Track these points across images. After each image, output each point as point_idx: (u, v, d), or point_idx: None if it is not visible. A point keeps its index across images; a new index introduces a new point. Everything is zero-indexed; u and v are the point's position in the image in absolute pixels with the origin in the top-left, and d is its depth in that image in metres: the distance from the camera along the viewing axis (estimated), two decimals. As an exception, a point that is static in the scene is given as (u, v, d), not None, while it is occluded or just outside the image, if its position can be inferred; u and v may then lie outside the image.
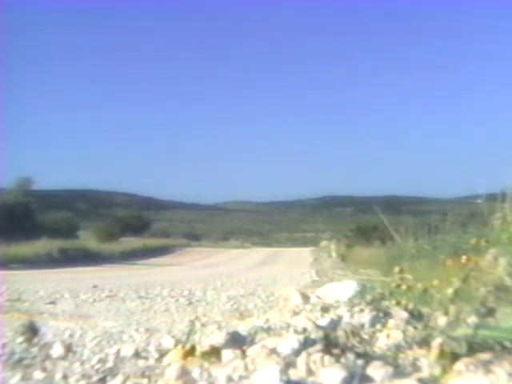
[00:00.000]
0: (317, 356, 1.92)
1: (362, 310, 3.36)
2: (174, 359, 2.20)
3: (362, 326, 2.79)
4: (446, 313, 2.05)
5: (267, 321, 3.47)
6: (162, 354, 2.40)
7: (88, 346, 2.96)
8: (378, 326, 2.74)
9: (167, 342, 2.66)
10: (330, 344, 2.07)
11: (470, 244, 2.87)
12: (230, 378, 1.87)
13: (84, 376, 2.11)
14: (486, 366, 1.72)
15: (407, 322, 2.65)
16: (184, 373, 1.93)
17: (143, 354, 2.50)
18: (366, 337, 2.31)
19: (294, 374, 1.84)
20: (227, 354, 2.16)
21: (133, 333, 3.55)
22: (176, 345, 2.53)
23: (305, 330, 2.73)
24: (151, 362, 2.34)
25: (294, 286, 6.06)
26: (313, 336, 2.27)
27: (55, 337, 3.23)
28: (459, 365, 1.76)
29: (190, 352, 2.17)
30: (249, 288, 8.60)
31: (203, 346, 2.28)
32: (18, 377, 2.09)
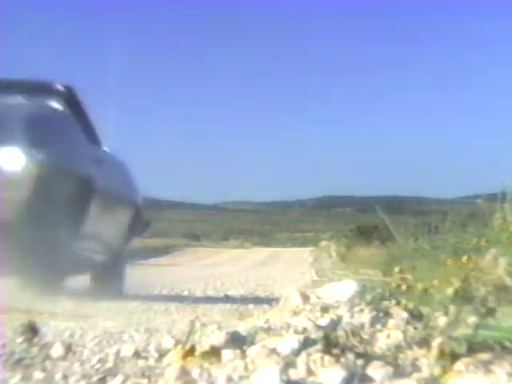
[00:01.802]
0: (317, 356, 1.92)
1: (361, 310, 3.35)
2: (173, 359, 2.20)
3: (362, 325, 2.78)
4: (446, 313, 2.05)
5: (267, 321, 3.47)
6: (162, 354, 2.40)
7: (88, 345, 2.95)
8: (378, 326, 2.73)
9: (167, 342, 2.66)
10: (330, 344, 2.07)
11: (470, 244, 2.87)
12: (229, 378, 1.87)
13: (84, 376, 2.11)
14: (486, 366, 1.72)
15: (407, 322, 2.64)
16: (184, 373, 1.93)
17: (143, 354, 2.50)
18: (366, 337, 2.31)
19: (293, 374, 1.84)
20: (227, 353, 2.16)
21: (133, 333, 3.55)
22: (176, 345, 2.53)
23: (305, 330, 2.73)
24: (151, 362, 2.34)
25: (293, 286, 6.06)
26: (313, 336, 2.27)
27: (55, 337, 3.22)
28: (459, 365, 1.76)
29: (190, 352, 2.17)
30: (249, 288, 8.60)
31: (203, 345, 2.28)
32: (18, 377, 2.09)
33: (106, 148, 4.94)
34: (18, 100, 4.32)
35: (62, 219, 3.73)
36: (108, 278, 4.93)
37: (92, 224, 4.12)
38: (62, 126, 4.17)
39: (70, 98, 4.64)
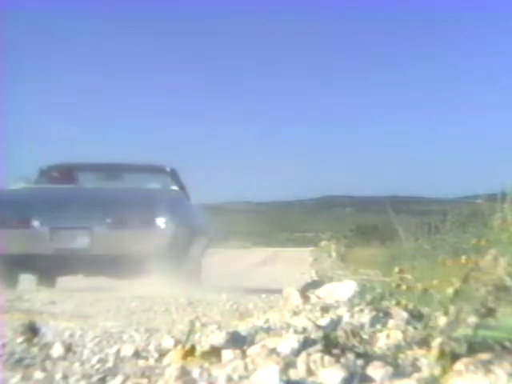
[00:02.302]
0: (317, 356, 1.92)
1: (361, 310, 3.35)
2: (173, 359, 2.20)
3: (362, 325, 2.79)
4: (446, 313, 2.05)
5: (267, 321, 3.47)
6: (162, 353, 2.40)
7: (88, 346, 2.95)
8: (378, 326, 2.74)
9: (167, 342, 2.66)
10: (330, 344, 2.07)
11: (470, 244, 2.87)
12: (229, 378, 1.87)
13: (84, 376, 2.12)
14: (486, 366, 1.72)
15: (407, 322, 2.65)
16: (184, 373, 1.94)
17: (143, 354, 2.50)
18: (366, 337, 2.32)
19: (293, 374, 1.84)
20: (227, 353, 2.16)
21: (133, 333, 3.55)
22: (176, 345, 2.53)
23: (305, 330, 2.73)
24: (151, 362, 2.34)
25: (293, 286, 6.05)
26: (313, 336, 2.27)
27: (55, 337, 3.23)
28: (459, 365, 1.76)
29: (190, 352, 2.17)
30: (249, 288, 8.58)
31: (203, 346, 2.28)
32: (18, 377, 2.10)
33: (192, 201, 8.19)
34: (155, 185, 7.44)
35: (184, 249, 6.79)
36: (195, 275, 7.65)
37: (191, 248, 7.16)
38: (180, 199, 7.29)
39: (174, 175, 7.89)
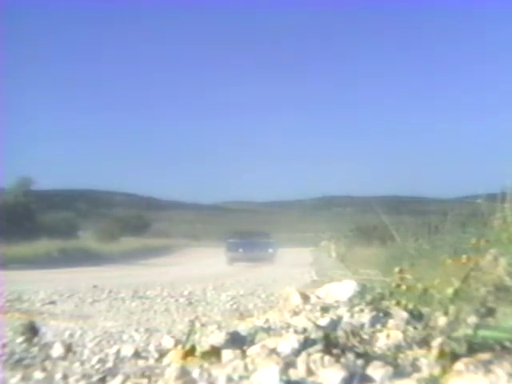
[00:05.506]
0: (317, 356, 1.92)
1: (361, 310, 3.36)
2: (173, 359, 2.20)
3: (362, 326, 2.78)
4: (446, 313, 2.05)
5: (267, 321, 3.47)
6: (162, 354, 2.40)
7: (88, 346, 2.96)
8: (378, 326, 2.74)
9: (167, 342, 2.66)
10: (330, 344, 2.07)
11: (470, 244, 2.86)
12: (229, 378, 1.87)
13: (84, 376, 2.12)
14: (486, 366, 1.72)
15: (407, 322, 2.64)
16: (184, 373, 1.94)
17: (143, 354, 2.50)
18: (366, 337, 2.31)
19: (294, 374, 1.84)
20: (227, 353, 2.16)
21: (133, 333, 3.55)
22: (176, 345, 2.53)
23: (305, 330, 2.73)
24: (151, 362, 2.34)
25: (293, 286, 6.05)
26: (313, 336, 2.27)
27: (55, 337, 3.23)
28: (459, 365, 1.76)
29: (190, 352, 2.17)
30: (249, 288, 8.59)
31: (203, 346, 2.28)
32: (18, 377, 2.10)
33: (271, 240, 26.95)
34: (267, 238, 26.51)
35: (273, 255, 25.14)
36: (272, 261, 23.72)
37: (274, 255, 25.53)
38: (273, 243, 26.33)
39: (270, 235, 27.71)
